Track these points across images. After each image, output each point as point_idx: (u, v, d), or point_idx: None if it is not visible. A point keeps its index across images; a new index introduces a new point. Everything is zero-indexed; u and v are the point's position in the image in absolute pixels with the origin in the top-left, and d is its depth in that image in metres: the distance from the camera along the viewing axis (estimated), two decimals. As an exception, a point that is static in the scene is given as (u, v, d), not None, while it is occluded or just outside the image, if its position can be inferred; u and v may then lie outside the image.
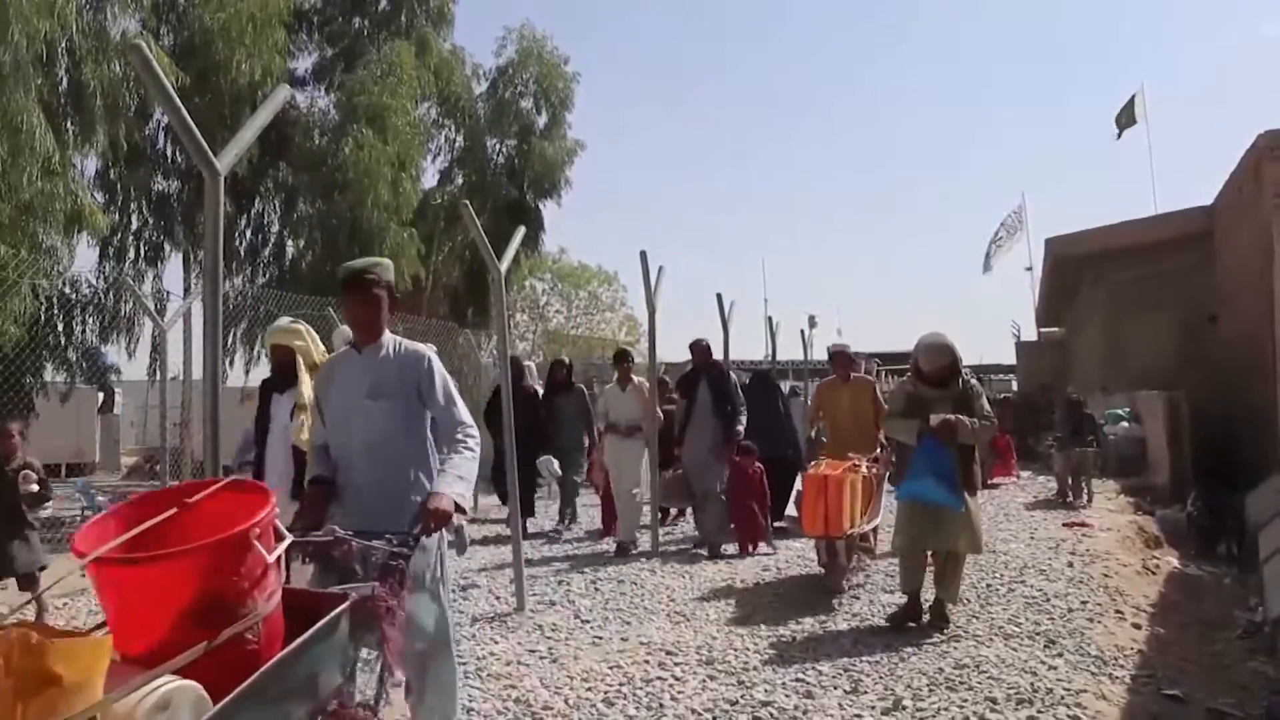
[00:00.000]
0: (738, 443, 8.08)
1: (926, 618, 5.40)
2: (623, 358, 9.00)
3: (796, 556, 7.67)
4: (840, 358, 8.24)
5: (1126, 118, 22.81)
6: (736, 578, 6.93)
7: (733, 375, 8.54)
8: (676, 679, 4.47)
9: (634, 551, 8.01)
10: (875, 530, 7.24)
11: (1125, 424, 13.97)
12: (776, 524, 8.66)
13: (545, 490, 10.79)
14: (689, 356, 8.72)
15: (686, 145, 78.47)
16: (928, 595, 5.52)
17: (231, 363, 14.34)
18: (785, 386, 12.66)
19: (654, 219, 71.34)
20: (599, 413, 9.04)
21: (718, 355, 8.95)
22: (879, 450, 7.36)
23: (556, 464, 9.23)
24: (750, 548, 7.97)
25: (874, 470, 6.98)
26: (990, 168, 79.58)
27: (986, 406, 5.54)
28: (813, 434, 8.36)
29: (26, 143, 9.04)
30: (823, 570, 6.44)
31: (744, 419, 8.21)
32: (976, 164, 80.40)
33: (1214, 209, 14.99)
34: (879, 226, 77.61)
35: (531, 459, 8.83)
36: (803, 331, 19.16)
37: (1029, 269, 27.46)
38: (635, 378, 8.70)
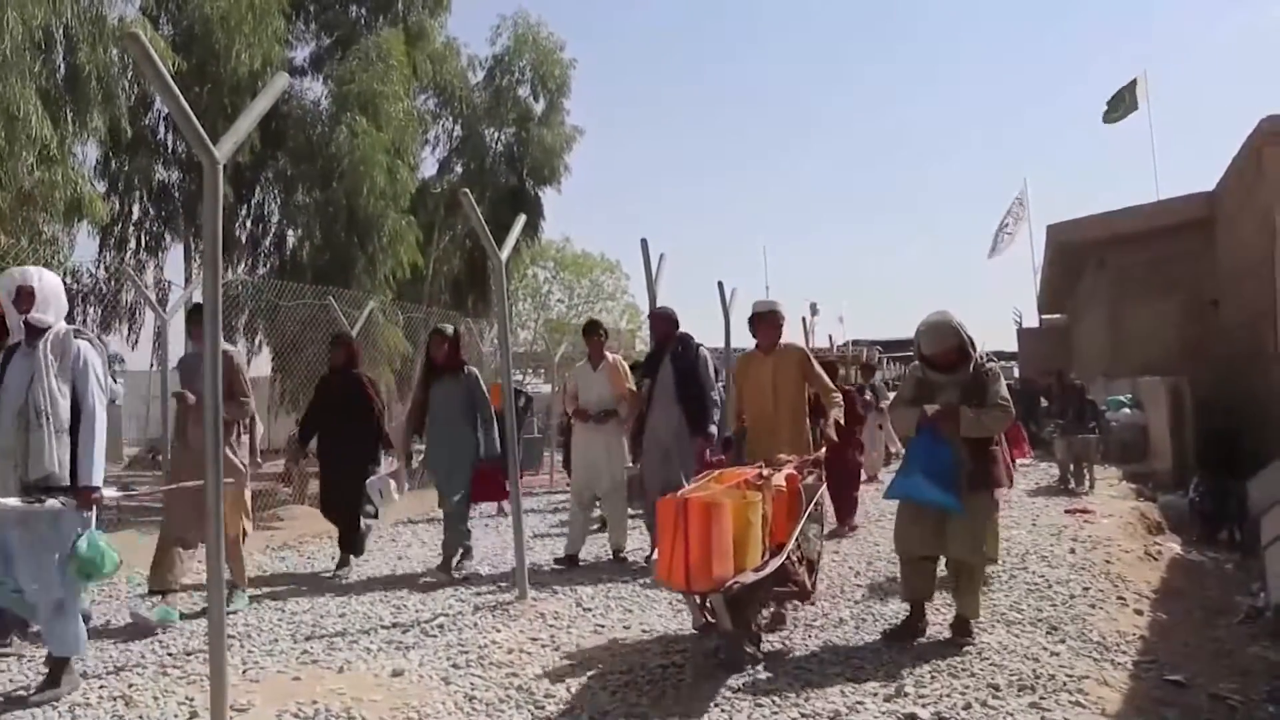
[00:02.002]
0: (709, 438, 6.52)
1: (945, 631, 4.88)
2: (593, 330, 7.51)
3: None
4: (765, 320, 6.20)
5: (1125, 102, 22.75)
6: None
7: (704, 351, 6.93)
8: (678, 666, 4.47)
9: (584, 564, 7.01)
10: (810, 560, 5.27)
11: (1127, 410, 13.98)
12: None
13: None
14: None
15: (689, 132, 78.30)
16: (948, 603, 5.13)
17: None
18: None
19: (657, 207, 71.29)
20: (568, 394, 7.65)
21: (717, 344, 8.33)
22: (814, 447, 5.78)
23: (393, 485, 7.03)
24: None
25: (803, 477, 5.21)
26: (991, 154, 79.44)
27: (1003, 392, 4.81)
28: (736, 431, 6.34)
29: (23, 129, 9.00)
30: (699, 631, 4.47)
31: (719, 409, 6.74)
32: (978, 150, 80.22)
33: (1216, 195, 14.97)
34: (881, 213, 77.49)
35: (357, 475, 6.88)
36: (804, 319, 19.17)
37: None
38: (610, 354, 7.41)
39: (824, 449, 5.76)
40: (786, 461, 5.20)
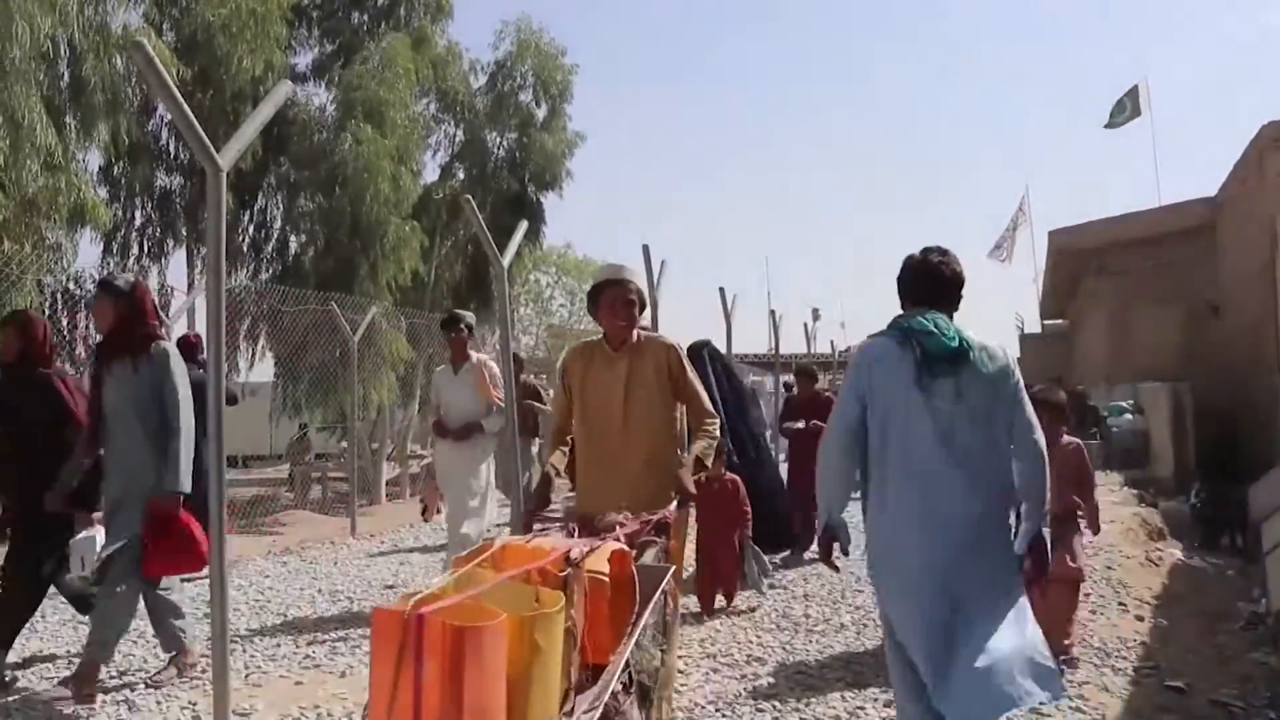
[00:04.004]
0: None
1: None
2: (451, 325, 6.08)
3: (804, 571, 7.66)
4: (612, 294, 3.81)
5: (1127, 109, 22.76)
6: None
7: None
8: (680, 672, 4.47)
9: None
10: (643, 685, 2.87)
11: (1129, 416, 13.97)
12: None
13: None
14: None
15: (691, 137, 78.41)
16: None
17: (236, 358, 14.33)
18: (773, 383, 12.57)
19: (658, 211, 71.37)
20: (431, 404, 6.27)
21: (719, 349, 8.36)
22: (678, 497, 3.64)
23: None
24: (723, 599, 5.77)
25: (640, 553, 3.19)
26: (993, 159, 79.48)
27: None
28: (552, 467, 3.87)
29: (27, 137, 9.04)
30: None
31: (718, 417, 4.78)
32: (979, 156, 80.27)
33: (1217, 201, 14.99)
34: (882, 219, 77.49)
35: (45, 528, 4.42)
36: (805, 325, 19.22)
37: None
38: (475, 354, 6.04)
39: (676, 503, 3.65)
40: (619, 524, 3.12)
